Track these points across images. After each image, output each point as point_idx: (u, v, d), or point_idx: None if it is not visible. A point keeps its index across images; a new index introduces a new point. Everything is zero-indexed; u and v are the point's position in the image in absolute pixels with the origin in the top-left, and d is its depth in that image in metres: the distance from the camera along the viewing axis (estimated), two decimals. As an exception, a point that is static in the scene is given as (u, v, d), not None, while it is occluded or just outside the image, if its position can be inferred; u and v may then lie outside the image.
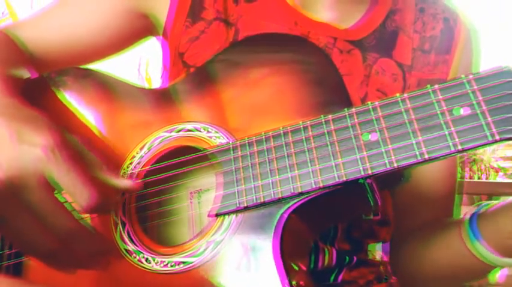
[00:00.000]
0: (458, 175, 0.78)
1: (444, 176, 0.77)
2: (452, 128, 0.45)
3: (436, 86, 0.46)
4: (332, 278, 0.68)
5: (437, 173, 0.76)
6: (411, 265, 0.75)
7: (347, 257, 0.69)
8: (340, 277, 0.68)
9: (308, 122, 0.51)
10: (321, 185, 0.48)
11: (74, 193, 0.46)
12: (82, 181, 0.46)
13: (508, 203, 0.60)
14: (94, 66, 0.80)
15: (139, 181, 0.57)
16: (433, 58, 0.74)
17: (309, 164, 0.49)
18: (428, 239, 0.72)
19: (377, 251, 0.77)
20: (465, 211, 0.66)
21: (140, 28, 0.79)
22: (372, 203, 0.52)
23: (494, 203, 0.62)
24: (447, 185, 0.78)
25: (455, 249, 0.65)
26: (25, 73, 0.70)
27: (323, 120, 0.50)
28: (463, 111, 0.45)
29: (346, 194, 0.51)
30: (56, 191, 0.47)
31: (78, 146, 0.51)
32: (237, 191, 0.51)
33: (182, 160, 0.57)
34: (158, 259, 0.53)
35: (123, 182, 0.53)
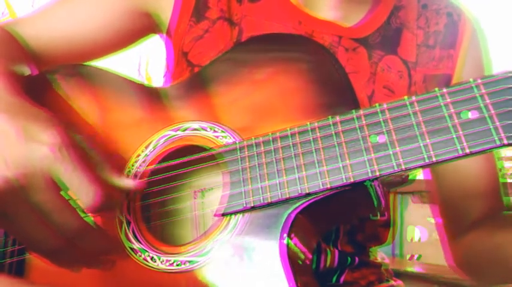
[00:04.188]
0: (499, 173, 0.79)
1: (486, 172, 0.77)
2: (460, 132, 0.45)
3: (444, 90, 0.47)
4: (334, 279, 0.68)
5: (480, 170, 0.76)
6: (479, 257, 0.74)
7: (349, 258, 0.69)
8: (342, 278, 0.68)
9: (316, 123, 0.51)
10: (329, 186, 0.48)
11: (80, 192, 0.46)
12: (88, 180, 0.46)
13: None
14: (94, 64, 0.79)
15: (143, 179, 0.57)
16: (437, 53, 0.75)
17: (317, 165, 0.49)
18: (494, 233, 0.70)
19: (378, 253, 0.77)
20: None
21: (142, 26, 0.79)
22: (376, 204, 0.52)
23: None
24: (491, 180, 0.77)
25: None
26: (26, 70, 0.70)
27: (331, 121, 0.50)
28: (471, 115, 0.45)
29: (352, 195, 0.51)
30: (62, 190, 0.47)
31: (83, 146, 0.51)
32: (244, 191, 0.51)
33: (188, 159, 0.57)
34: (163, 257, 0.53)
35: (127, 182, 0.52)
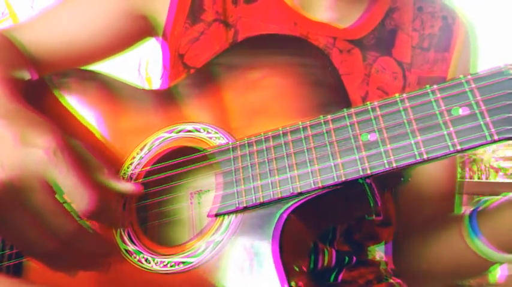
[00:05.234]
0: (459, 175, 0.79)
1: (444, 175, 0.77)
2: (451, 128, 0.45)
3: (435, 86, 0.47)
4: (332, 278, 0.68)
5: (437, 172, 0.77)
6: (413, 263, 0.76)
7: (347, 258, 0.69)
8: (340, 277, 0.68)
9: (307, 122, 0.51)
10: (320, 185, 0.48)
11: (74, 196, 0.47)
12: (83, 184, 0.46)
13: (507, 200, 0.60)
14: (94, 67, 0.80)
15: (140, 182, 0.58)
16: (432, 56, 0.75)
17: (308, 164, 0.49)
18: (429, 236, 0.73)
19: (377, 252, 0.77)
20: (465, 208, 0.67)
21: (139, 30, 0.79)
22: (371, 204, 0.52)
23: (494, 199, 0.63)
24: (447, 185, 0.78)
25: (455, 246, 0.66)
26: (26, 75, 0.71)
27: (322, 120, 0.50)
28: (461, 111, 0.45)
29: (346, 195, 0.51)
30: (57, 194, 0.47)
31: (80, 150, 0.51)
32: (237, 192, 0.51)
33: (182, 160, 0.57)
34: (158, 259, 0.53)
35: (125, 186, 0.52)
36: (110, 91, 0.66)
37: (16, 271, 0.58)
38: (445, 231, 0.69)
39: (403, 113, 0.47)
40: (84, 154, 0.52)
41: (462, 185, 0.79)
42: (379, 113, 0.48)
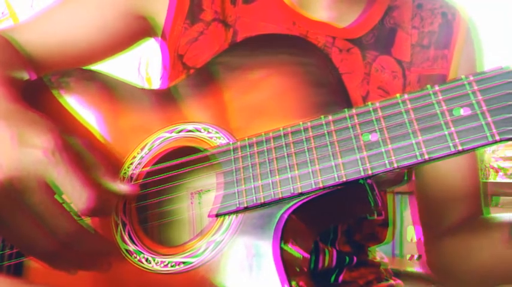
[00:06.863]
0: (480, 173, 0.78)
1: (467, 174, 0.76)
2: (453, 129, 0.45)
3: (437, 87, 0.46)
4: (332, 278, 0.68)
5: (460, 171, 0.75)
6: (452, 262, 0.74)
7: (347, 258, 0.69)
8: (340, 278, 0.68)
9: (308, 122, 0.51)
10: (321, 185, 0.48)
11: (73, 196, 0.46)
12: (81, 183, 0.46)
13: None
14: (94, 67, 0.80)
15: (138, 182, 0.57)
16: (432, 53, 0.74)
17: (309, 165, 0.49)
18: (469, 238, 0.71)
19: (377, 252, 0.77)
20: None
21: (138, 30, 0.79)
22: (372, 204, 0.52)
23: None
24: (471, 183, 0.76)
25: (499, 253, 0.64)
26: (24, 75, 0.71)
27: (323, 121, 0.50)
28: (463, 112, 0.45)
29: (346, 195, 0.51)
30: (56, 194, 0.47)
31: (79, 149, 0.51)
32: (237, 192, 0.51)
33: (183, 160, 0.57)
34: (158, 259, 0.53)
35: (121, 187, 0.52)
36: (109, 91, 0.66)
37: (16, 271, 0.58)
38: (487, 237, 0.67)
39: (404, 113, 0.47)
40: (83, 152, 0.52)
41: (486, 186, 0.78)
42: (380, 113, 0.48)
